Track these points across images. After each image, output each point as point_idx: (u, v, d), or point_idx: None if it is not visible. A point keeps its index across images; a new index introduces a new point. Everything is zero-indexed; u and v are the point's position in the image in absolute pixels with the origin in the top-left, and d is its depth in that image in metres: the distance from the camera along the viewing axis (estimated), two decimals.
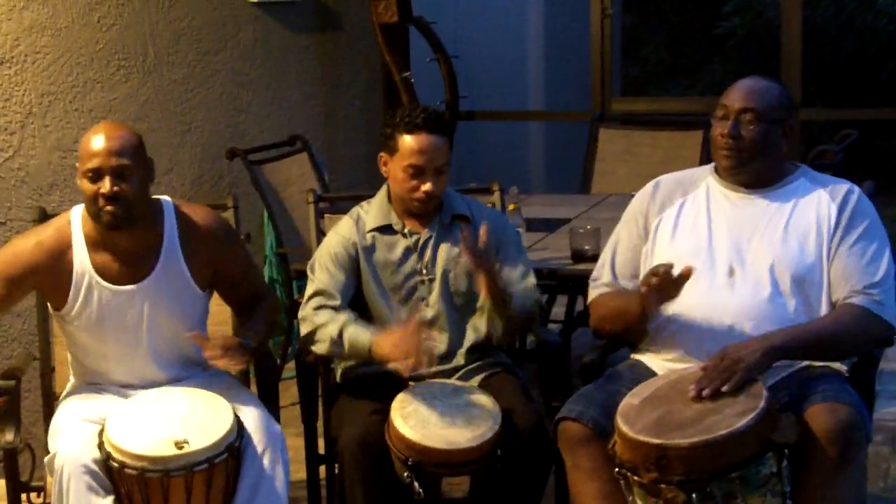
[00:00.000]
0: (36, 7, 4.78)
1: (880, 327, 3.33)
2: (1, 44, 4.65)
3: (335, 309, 3.62)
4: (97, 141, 3.38)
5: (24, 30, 4.74)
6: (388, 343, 3.45)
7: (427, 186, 3.64)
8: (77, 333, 3.54)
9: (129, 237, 3.46)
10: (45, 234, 3.50)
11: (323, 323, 3.60)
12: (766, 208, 3.45)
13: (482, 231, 3.47)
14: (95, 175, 3.37)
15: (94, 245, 3.48)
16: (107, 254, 3.47)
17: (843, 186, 3.47)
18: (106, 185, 3.35)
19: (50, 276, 3.47)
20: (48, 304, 3.64)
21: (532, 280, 3.74)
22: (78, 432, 3.35)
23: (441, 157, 3.64)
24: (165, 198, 3.59)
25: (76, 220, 3.50)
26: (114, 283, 3.48)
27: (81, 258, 3.47)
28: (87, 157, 3.38)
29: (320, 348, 3.62)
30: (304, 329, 3.66)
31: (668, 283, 3.25)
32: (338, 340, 3.55)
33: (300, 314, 3.68)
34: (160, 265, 3.50)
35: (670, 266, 3.24)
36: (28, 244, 3.48)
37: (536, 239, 4.79)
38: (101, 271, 3.47)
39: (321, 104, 6.73)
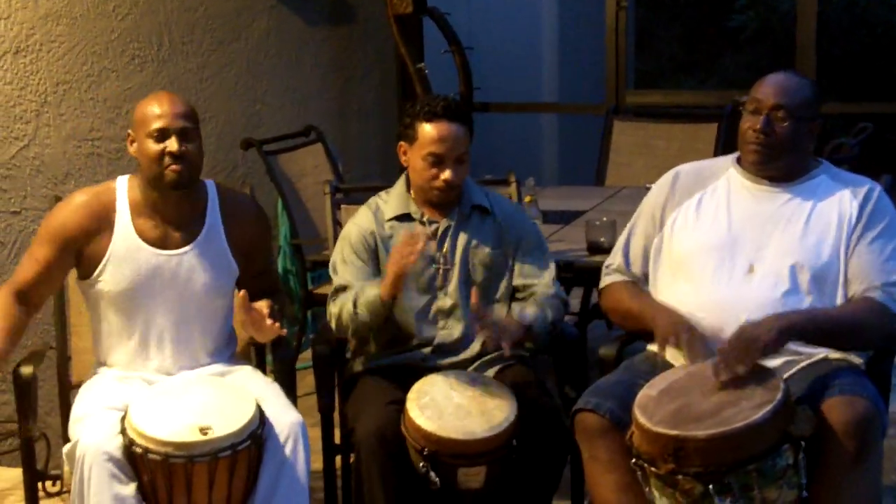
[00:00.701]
0: None
1: (894, 324, 3.32)
2: (16, 33, 4.65)
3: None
4: (161, 103, 3.47)
5: (40, 18, 4.74)
6: (388, 272, 3.48)
7: (447, 175, 3.63)
8: (106, 305, 3.56)
9: (175, 205, 3.53)
10: (89, 195, 3.56)
11: (340, 308, 3.61)
12: (788, 203, 3.44)
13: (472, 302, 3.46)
14: (161, 135, 3.44)
15: (138, 210, 3.53)
16: (150, 220, 3.54)
17: (866, 184, 3.47)
18: (174, 143, 3.43)
19: (91, 235, 3.51)
20: (72, 280, 3.65)
21: (552, 278, 3.73)
22: (100, 420, 3.34)
23: (461, 145, 3.63)
24: (208, 180, 3.66)
25: (121, 186, 3.56)
26: (155, 247, 3.53)
27: (124, 221, 3.52)
28: (151, 118, 3.45)
29: (348, 330, 3.63)
30: (333, 325, 3.67)
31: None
32: (354, 311, 3.56)
33: (329, 313, 3.69)
34: (203, 235, 3.57)
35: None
36: (73, 204, 3.54)
37: (552, 231, 4.78)
38: (143, 235, 3.52)
39: (335, 96, 6.73)
